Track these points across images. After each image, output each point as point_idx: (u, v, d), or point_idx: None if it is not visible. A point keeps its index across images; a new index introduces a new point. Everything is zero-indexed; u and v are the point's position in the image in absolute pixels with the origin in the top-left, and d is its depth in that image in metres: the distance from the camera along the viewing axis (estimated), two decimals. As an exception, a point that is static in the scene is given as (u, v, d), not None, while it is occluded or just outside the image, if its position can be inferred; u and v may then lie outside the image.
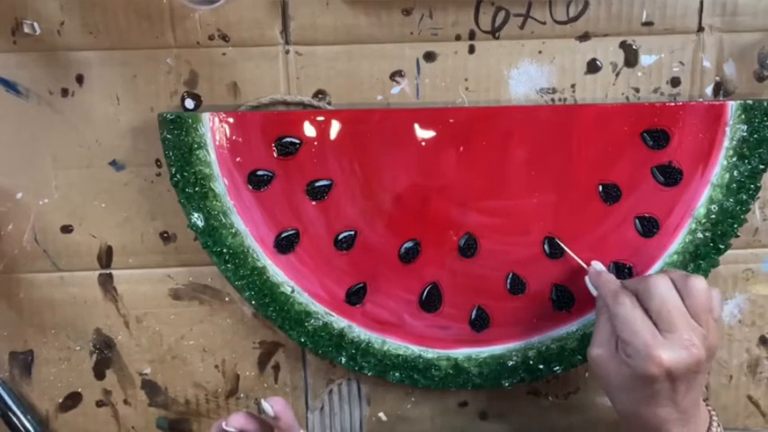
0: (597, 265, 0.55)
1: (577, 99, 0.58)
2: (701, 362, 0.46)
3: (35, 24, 0.55)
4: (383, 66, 0.57)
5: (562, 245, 0.56)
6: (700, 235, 0.57)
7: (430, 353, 0.59)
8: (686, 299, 0.47)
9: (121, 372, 0.61)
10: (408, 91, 0.57)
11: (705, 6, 0.56)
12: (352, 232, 0.57)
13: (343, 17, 0.56)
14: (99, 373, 0.61)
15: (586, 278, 0.54)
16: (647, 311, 0.47)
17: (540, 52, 0.57)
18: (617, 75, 0.57)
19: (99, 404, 0.62)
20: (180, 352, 0.61)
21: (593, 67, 0.57)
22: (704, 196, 0.56)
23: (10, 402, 0.60)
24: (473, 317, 0.58)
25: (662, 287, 0.47)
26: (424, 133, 0.55)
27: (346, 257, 0.57)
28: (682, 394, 0.46)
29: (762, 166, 0.56)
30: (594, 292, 0.53)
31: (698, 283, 0.47)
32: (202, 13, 0.55)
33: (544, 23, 0.56)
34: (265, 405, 0.47)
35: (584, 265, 0.55)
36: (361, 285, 0.58)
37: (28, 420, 0.60)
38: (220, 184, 0.56)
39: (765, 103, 0.55)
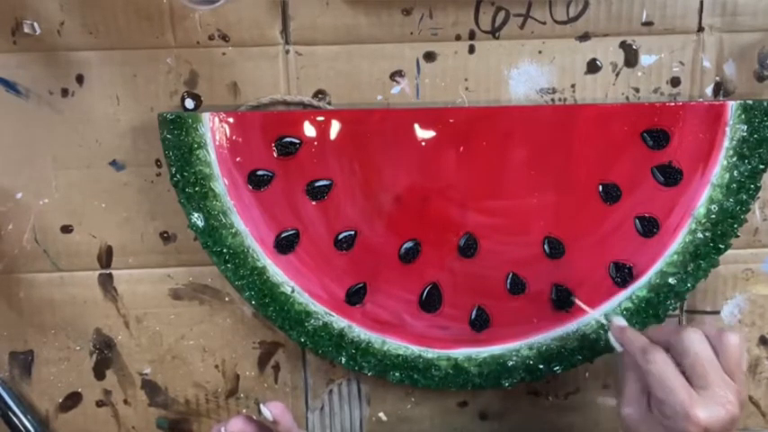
0: (618, 321, 0.52)
1: (577, 99, 0.58)
2: (735, 419, 0.45)
3: (35, 24, 0.55)
4: (383, 66, 0.57)
5: (578, 301, 0.56)
6: (700, 235, 0.57)
7: (430, 353, 0.59)
8: (720, 354, 0.46)
9: (121, 372, 0.61)
10: (408, 91, 0.57)
11: (705, 6, 0.56)
12: (352, 232, 0.57)
13: (343, 17, 0.56)
14: (99, 373, 0.61)
15: (609, 335, 0.51)
16: (679, 366, 0.46)
17: (540, 52, 0.57)
18: (617, 75, 0.57)
19: (99, 404, 0.62)
20: (180, 352, 0.61)
21: (593, 67, 0.57)
22: (704, 196, 0.56)
23: (10, 402, 0.60)
24: (473, 317, 0.58)
25: (696, 342, 0.46)
26: (424, 133, 0.55)
27: (346, 257, 0.57)
28: None
29: (762, 166, 0.56)
30: (619, 349, 0.51)
31: (733, 338, 0.46)
32: (202, 13, 0.55)
33: (544, 23, 0.56)
34: (264, 410, 0.47)
35: (605, 321, 0.52)
36: (361, 285, 0.58)
37: (28, 420, 0.60)
38: (220, 184, 0.56)
39: (765, 103, 0.55)
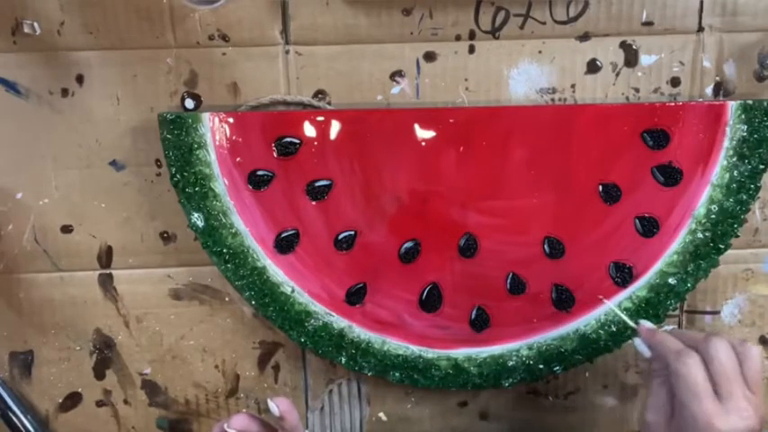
0: (647, 324, 0.51)
1: (577, 99, 0.58)
2: None
3: (35, 24, 0.55)
4: (383, 66, 0.57)
5: (608, 303, 0.56)
6: (700, 235, 0.57)
7: (430, 353, 0.59)
8: (743, 364, 0.46)
9: (121, 372, 0.61)
10: (408, 91, 0.57)
11: (705, 6, 0.56)
12: (352, 232, 0.57)
13: (343, 17, 0.56)
14: (99, 373, 0.61)
15: (637, 339, 0.50)
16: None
17: (540, 52, 0.57)
18: (617, 75, 0.57)
19: (99, 404, 0.62)
20: (180, 352, 0.61)
21: (593, 67, 0.57)
22: (704, 196, 0.56)
23: (10, 402, 0.60)
24: (473, 317, 0.58)
25: (722, 350, 0.46)
26: (424, 133, 0.55)
27: (346, 257, 0.57)
28: None
29: (762, 166, 0.56)
30: (647, 354, 0.49)
31: (755, 350, 0.47)
32: (202, 13, 0.55)
33: (544, 23, 0.56)
34: (271, 405, 0.47)
35: (633, 324, 0.52)
36: (361, 285, 0.58)
37: (28, 420, 0.60)
38: (220, 184, 0.56)
39: (765, 103, 0.55)
